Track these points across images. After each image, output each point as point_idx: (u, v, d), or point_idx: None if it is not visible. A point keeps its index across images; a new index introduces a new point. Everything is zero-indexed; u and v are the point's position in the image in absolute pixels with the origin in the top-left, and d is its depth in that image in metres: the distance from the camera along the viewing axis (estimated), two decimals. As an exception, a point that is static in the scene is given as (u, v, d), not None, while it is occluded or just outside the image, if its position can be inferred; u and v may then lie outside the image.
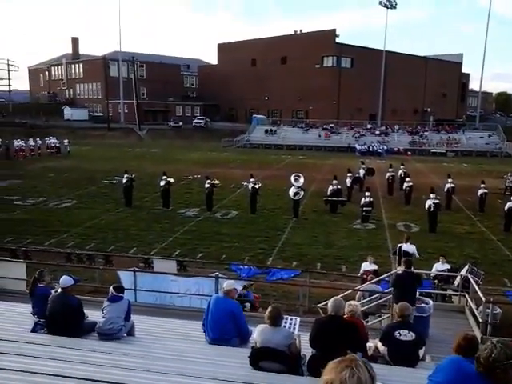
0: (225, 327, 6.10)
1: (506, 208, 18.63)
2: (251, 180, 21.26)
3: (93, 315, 6.44)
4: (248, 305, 9.67)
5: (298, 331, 6.31)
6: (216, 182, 21.52)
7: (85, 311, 6.26)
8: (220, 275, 10.13)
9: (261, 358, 5.09)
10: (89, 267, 12.55)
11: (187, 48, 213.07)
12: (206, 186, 21.11)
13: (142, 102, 68.55)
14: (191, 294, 10.22)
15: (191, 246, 16.08)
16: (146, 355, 5.32)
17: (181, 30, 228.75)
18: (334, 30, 67.04)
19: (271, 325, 5.25)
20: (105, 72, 68.70)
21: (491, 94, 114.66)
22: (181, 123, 66.46)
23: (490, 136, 54.01)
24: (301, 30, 72.65)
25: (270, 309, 5.38)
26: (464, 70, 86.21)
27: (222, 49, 79.72)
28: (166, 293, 10.26)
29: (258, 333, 5.30)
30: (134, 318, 6.47)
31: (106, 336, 5.98)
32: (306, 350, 5.40)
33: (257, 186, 20.95)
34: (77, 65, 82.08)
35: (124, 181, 22.04)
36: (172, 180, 21.97)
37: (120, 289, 6.46)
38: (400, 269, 8.78)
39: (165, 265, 11.91)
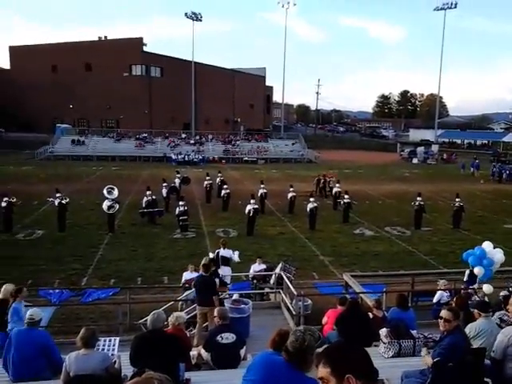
0: (33, 362, 5.44)
1: (307, 209, 20.81)
2: (57, 195, 19.43)
3: None
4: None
5: (117, 352, 6.06)
6: (14, 199, 19.20)
7: None
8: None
9: (77, 388, 4.68)
10: None
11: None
12: (3, 204, 18.68)
13: None
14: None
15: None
16: None
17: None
18: (141, 39, 66.54)
19: (85, 347, 4.91)
20: None
21: (292, 105, 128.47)
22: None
23: (293, 144, 60.08)
24: (105, 37, 70.04)
25: (82, 330, 5.03)
26: (268, 83, 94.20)
27: (16, 52, 71.37)
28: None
29: (71, 361, 4.90)
30: None
31: None
32: (128, 370, 5.10)
33: (64, 202, 19.27)
34: None
35: None
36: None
37: None
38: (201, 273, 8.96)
39: None
